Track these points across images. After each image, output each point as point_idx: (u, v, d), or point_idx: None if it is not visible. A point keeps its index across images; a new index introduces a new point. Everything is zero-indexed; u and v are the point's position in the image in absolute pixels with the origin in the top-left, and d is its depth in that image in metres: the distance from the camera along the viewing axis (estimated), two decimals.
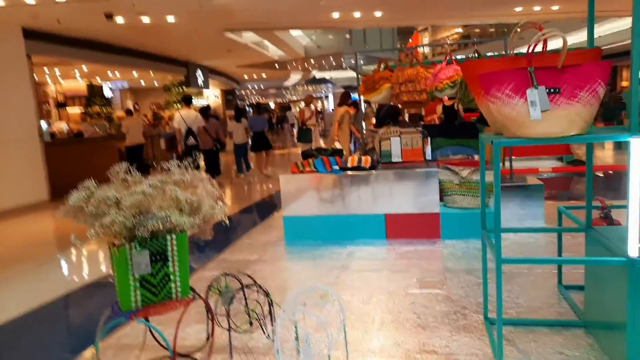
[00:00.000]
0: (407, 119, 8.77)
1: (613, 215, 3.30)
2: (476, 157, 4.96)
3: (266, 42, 14.09)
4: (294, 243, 4.74)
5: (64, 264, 5.13)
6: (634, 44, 1.90)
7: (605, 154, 10.82)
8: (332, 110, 19.99)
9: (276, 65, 18.54)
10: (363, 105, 8.44)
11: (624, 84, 20.22)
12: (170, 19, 9.12)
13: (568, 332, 2.65)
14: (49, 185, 8.90)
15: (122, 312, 2.13)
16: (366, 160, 4.69)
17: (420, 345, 2.61)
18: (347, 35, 17.83)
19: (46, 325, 3.40)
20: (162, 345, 2.59)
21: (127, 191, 2.04)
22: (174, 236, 2.14)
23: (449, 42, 18.38)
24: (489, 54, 9.93)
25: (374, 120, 9.20)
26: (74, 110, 16.75)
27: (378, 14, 10.21)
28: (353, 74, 22.90)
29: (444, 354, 2.51)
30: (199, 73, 17.01)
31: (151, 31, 10.06)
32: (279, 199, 4.93)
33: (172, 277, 2.18)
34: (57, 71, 13.98)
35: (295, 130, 16.43)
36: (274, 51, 15.60)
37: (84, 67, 13.52)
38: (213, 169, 9.28)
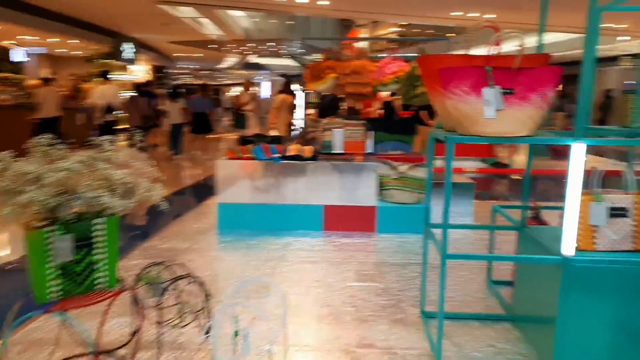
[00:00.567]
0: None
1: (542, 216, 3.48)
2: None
3: (204, 20, 13.45)
4: (228, 232, 4.55)
5: None
6: (586, 55, 1.97)
7: (520, 159, 11.55)
8: (269, 97, 19.65)
9: (214, 44, 17.79)
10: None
11: None
12: None
13: (498, 326, 2.76)
14: None
15: (36, 305, 1.87)
16: (308, 150, 4.60)
17: (359, 339, 2.58)
18: (291, 22, 17.48)
19: None
20: (79, 341, 2.33)
21: (50, 166, 1.78)
22: (103, 220, 1.91)
23: (392, 38, 18.69)
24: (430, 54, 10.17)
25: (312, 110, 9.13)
26: None
27: (324, 2, 10.10)
28: (290, 62, 22.60)
29: (383, 347, 2.50)
30: (129, 45, 15.91)
31: None
32: (213, 185, 4.71)
33: (98, 265, 1.95)
34: None
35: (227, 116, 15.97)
36: (212, 29, 14.96)
37: None
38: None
